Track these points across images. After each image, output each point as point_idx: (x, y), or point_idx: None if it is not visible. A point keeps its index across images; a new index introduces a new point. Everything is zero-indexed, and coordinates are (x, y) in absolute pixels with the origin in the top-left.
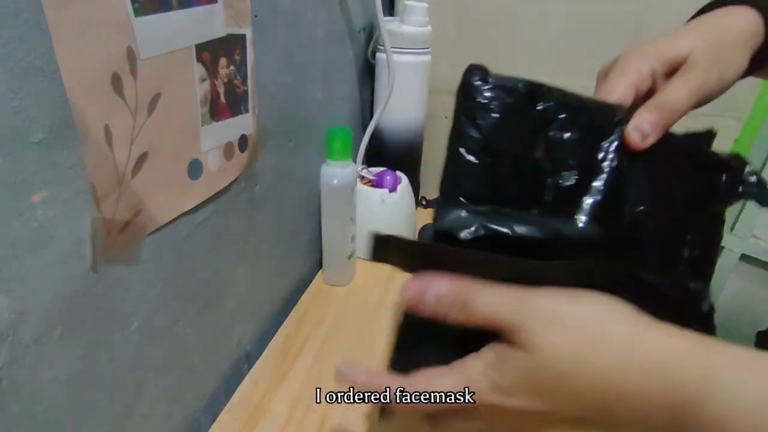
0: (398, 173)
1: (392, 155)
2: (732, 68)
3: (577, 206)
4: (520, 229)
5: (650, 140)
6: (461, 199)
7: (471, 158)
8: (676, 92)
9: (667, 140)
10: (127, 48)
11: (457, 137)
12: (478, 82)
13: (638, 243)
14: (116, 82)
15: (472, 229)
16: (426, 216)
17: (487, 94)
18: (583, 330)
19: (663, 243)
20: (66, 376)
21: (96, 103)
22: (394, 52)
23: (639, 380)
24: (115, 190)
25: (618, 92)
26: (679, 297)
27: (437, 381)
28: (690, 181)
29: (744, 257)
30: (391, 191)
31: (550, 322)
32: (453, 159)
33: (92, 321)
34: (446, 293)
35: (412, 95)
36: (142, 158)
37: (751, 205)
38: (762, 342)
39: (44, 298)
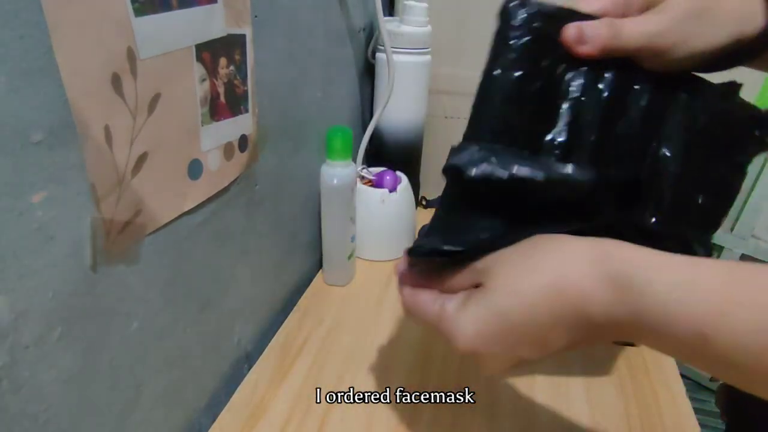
0: (398, 173)
1: (392, 155)
2: (702, 38)
3: (591, 147)
4: (523, 171)
5: (584, 48)
6: (482, 132)
7: (499, 73)
8: (633, 27)
9: (700, 84)
10: (127, 48)
11: (491, 58)
12: (514, 5)
13: (653, 188)
14: (116, 82)
15: (479, 168)
16: (426, 216)
17: (522, 16)
18: (537, 256)
19: (680, 189)
20: (66, 376)
21: (96, 103)
22: (394, 52)
23: (599, 287)
24: (115, 190)
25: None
26: (678, 245)
27: (422, 309)
28: (720, 130)
29: (744, 257)
30: (391, 191)
31: (504, 261)
32: (484, 80)
33: (92, 321)
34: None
35: (412, 95)
36: (142, 158)
37: (751, 205)
38: None
39: (44, 298)
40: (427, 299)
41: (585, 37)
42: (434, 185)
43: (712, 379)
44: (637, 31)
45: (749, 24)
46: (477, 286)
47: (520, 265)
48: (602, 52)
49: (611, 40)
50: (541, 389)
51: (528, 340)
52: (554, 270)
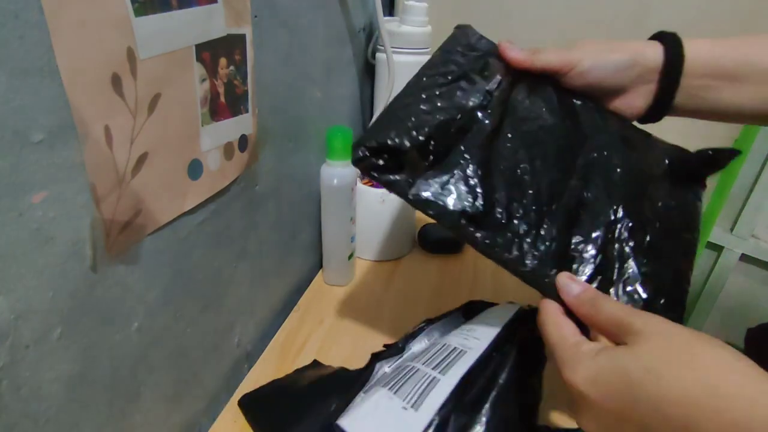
0: None
1: None
2: (606, 56)
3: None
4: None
5: (511, 54)
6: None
7: (426, 80)
8: (550, 52)
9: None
10: (127, 48)
11: (428, 65)
12: (463, 31)
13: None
14: (116, 82)
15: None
16: (426, 216)
17: (466, 41)
18: (691, 343)
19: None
20: (66, 376)
21: (96, 104)
22: (394, 52)
23: (736, 412)
24: (115, 190)
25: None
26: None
27: (561, 331)
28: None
29: (744, 257)
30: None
31: (661, 332)
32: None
33: (92, 321)
34: (590, 289)
35: None
36: (142, 158)
37: (751, 205)
38: (751, 338)
39: (44, 298)
40: (569, 327)
41: (511, 48)
42: None
43: None
44: (551, 55)
45: (643, 57)
46: (618, 341)
47: (677, 351)
48: (527, 61)
49: (533, 55)
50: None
51: (638, 425)
52: (714, 387)
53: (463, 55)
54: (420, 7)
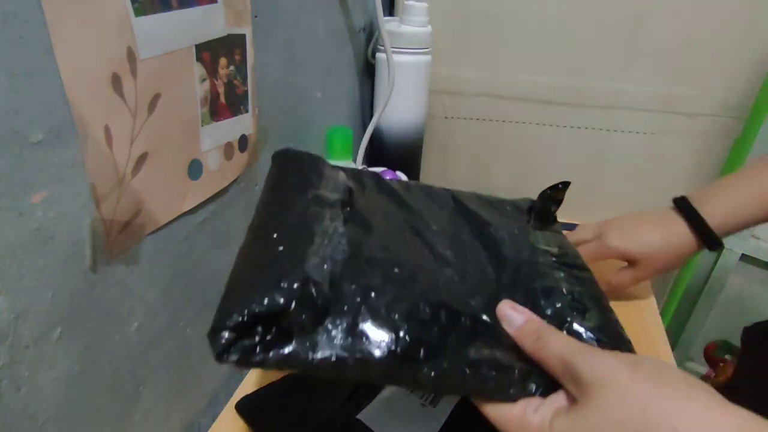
0: (398, 173)
1: (392, 155)
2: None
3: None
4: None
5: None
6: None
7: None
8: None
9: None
10: (127, 48)
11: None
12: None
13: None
14: (116, 82)
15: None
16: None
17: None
18: (643, 399)
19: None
20: (66, 376)
21: (96, 103)
22: (394, 52)
23: None
24: (115, 190)
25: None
26: None
27: (502, 409)
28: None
29: (744, 257)
30: None
31: (608, 384)
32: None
33: (92, 321)
34: (535, 320)
35: (412, 95)
36: (142, 158)
37: None
38: (748, 338)
39: (44, 298)
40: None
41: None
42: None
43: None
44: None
45: (688, 246)
46: (566, 387)
47: (633, 416)
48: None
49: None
50: None
51: None
52: None
53: (299, 184)
54: (420, 7)
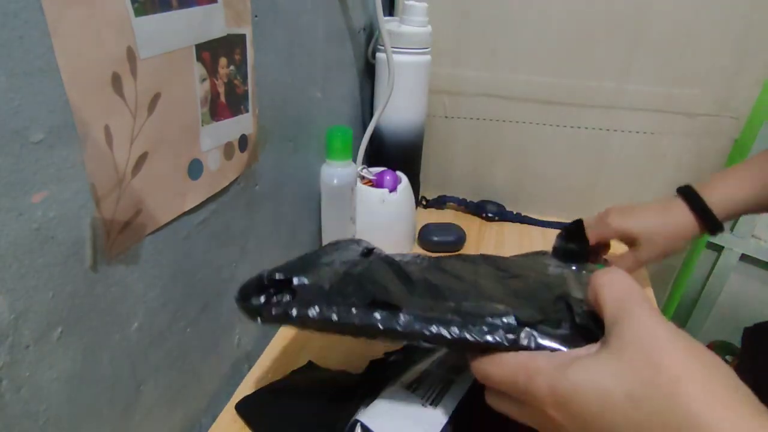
0: (398, 173)
1: (392, 155)
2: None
3: None
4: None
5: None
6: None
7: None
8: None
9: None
10: (127, 48)
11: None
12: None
13: None
14: (116, 82)
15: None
16: (426, 216)
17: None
18: (676, 376)
19: None
20: (66, 376)
21: (96, 103)
22: (394, 52)
23: None
24: (115, 190)
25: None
26: None
27: (506, 357)
28: None
29: (744, 257)
30: (391, 191)
31: (645, 344)
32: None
33: (92, 321)
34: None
35: (412, 95)
36: (142, 158)
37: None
38: (748, 338)
39: (44, 298)
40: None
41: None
42: (434, 185)
43: None
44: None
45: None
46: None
47: (657, 378)
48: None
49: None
50: None
51: None
52: None
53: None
54: (420, 7)
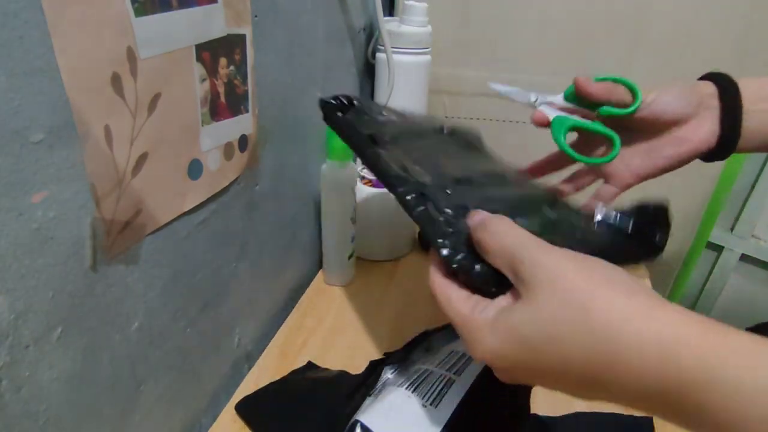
0: None
1: None
2: (664, 98)
3: None
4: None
5: (591, 89)
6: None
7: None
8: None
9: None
10: (127, 48)
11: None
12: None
13: None
14: (116, 82)
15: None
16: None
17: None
18: (584, 297)
19: None
20: (66, 376)
21: (96, 103)
22: (394, 52)
23: (632, 361)
24: (115, 190)
25: None
26: None
27: (452, 306)
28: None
29: (744, 257)
30: None
31: (552, 280)
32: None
33: (92, 321)
34: (481, 213)
35: (412, 95)
36: (142, 158)
37: (751, 205)
38: None
39: (44, 298)
40: (459, 297)
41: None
42: None
43: None
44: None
45: (697, 85)
46: (513, 292)
47: (569, 310)
48: (606, 94)
49: (613, 89)
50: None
51: (553, 380)
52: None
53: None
54: (420, 7)
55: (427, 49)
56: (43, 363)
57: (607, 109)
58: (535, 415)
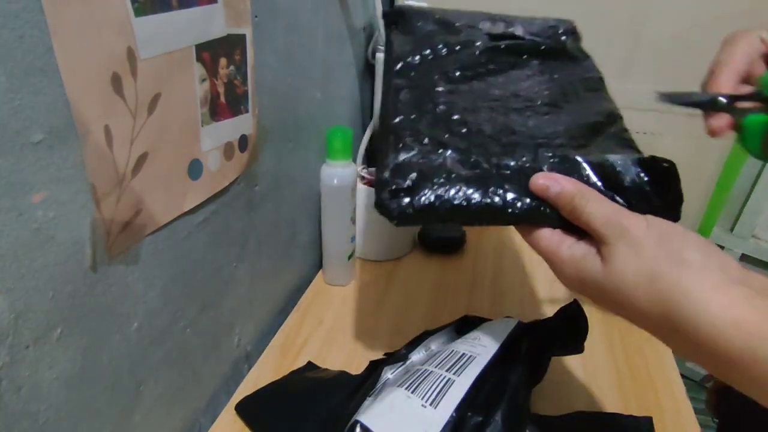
0: None
1: None
2: None
3: None
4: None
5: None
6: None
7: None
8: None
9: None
10: (127, 48)
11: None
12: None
13: None
14: (116, 82)
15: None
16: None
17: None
18: (650, 267)
19: None
20: (66, 376)
21: (96, 103)
22: None
23: (695, 331)
24: (115, 190)
25: (723, 85)
26: None
27: (538, 240)
28: None
29: (744, 257)
30: None
31: (630, 246)
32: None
33: (92, 321)
34: (567, 191)
35: None
36: (142, 158)
37: (751, 205)
38: None
39: (44, 298)
40: (546, 234)
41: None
42: None
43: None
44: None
45: None
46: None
47: (642, 275)
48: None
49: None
50: (542, 388)
51: (626, 318)
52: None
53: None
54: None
55: None
56: (43, 363)
57: None
58: (535, 415)
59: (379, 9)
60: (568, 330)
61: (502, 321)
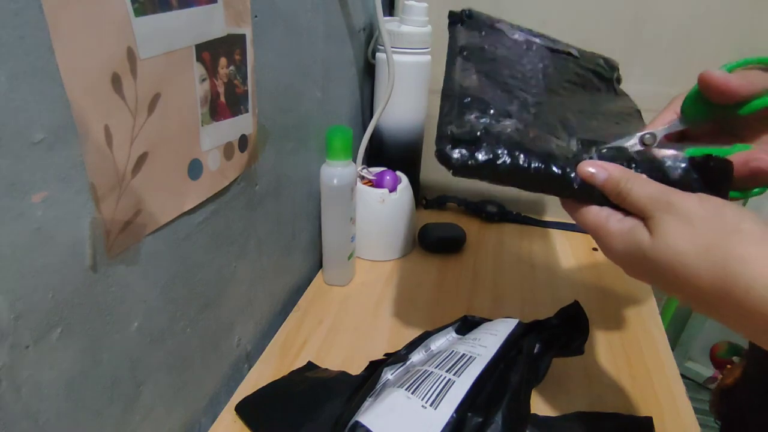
0: (398, 173)
1: (392, 155)
2: None
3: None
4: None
5: (731, 84)
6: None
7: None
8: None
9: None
10: (127, 48)
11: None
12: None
13: None
14: (116, 82)
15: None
16: (426, 216)
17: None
18: (703, 240)
19: None
20: (66, 376)
21: (96, 103)
22: (394, 52)
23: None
24: (115, 190)
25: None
26: None
27: (586, 215)
28: None
29: None
30: (391, 191)
31: (680, 218)
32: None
33: (92, 321)
34: (614, 176)
35: (412, 95)
36: (142, 158)
37: (751, 205)
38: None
39: (44, 298)
40: (594, 210)
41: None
42: (434, 185)
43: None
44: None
45: None
46: (644, 213)
47: (688, 254)
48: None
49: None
50: (542, 389)
51: (669, 290)
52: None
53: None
54: (420, 7)
55: (427, 49)
56: (43, 363)
57: (759, 102)
58: (535, 415)
59: (379, 9)
60: (568, 330)
61: (503, 321)
